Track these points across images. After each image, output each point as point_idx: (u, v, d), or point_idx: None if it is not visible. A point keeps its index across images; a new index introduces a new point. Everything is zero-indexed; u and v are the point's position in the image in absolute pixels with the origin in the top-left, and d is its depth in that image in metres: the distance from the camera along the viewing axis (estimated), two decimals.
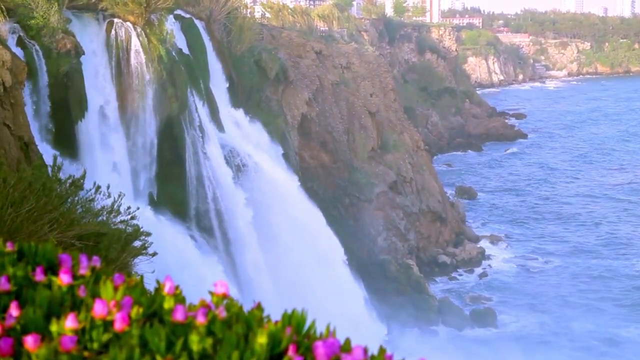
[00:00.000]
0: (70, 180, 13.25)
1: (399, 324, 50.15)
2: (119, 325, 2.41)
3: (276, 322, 2.47)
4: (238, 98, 51.01)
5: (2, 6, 29.25)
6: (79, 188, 13.23)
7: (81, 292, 2.60)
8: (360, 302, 48.06)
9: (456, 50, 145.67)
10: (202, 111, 42.29)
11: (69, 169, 25.88)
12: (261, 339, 2.35)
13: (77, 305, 2.55)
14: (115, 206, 13.67)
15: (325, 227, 49.09)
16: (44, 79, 30.33)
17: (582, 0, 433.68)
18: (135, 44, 36.35)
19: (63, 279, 2.63)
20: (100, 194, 13.65)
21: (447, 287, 59.62)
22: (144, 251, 13.97)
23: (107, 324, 2.43)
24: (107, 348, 2.37)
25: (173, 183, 38.94)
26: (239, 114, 49.31)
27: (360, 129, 64.83)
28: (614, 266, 62.59)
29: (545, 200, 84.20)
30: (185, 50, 43.38)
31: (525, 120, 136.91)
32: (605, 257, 64.70)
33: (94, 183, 13.86)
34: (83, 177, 13.56)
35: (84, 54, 32.68)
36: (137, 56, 36.46)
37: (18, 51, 28.82)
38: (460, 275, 61.92)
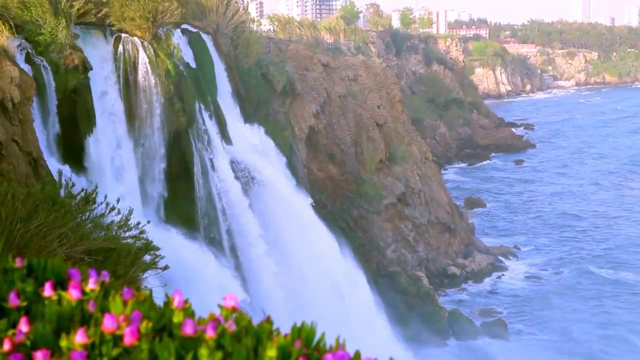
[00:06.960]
0: (80, 195, 13.29)
1: (409, 336, 49.95)
2: (128, 340, 2.41)
3: (286, 335, 2.46)
4: (246, 111, 51.10)
5: (11, 22, 29.42)
6: (89, 203, 13.26)
7: (90, 307, 2.60)
8: (370, 314, 47.89)
9: (463, 61, 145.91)
10: (210, 125, 42.39)
11: (78, 184, 25.95)
12: (271, 352, 2.34)
13: (86, 320, 2.55)
14: (124, 221, 13.70)
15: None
16: (52, 94, 30.42)
17: (589, 10, 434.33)
18: (142, 58, 36.46)
19: (72, 294, 2.63)
20: (110, 209, 13.68)
21: (457, 298, 59.36)
22: (153, 265, 13.98)
23: (117, 339, 2.42)
24: None
25: (182, 196, 39.01)
26: (247, 127, 49.40)
27: (368, 140, 64.86)
28: (627, 278, 62.09)
29: (555, 210, 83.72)
30: (193, 64, 43.52)
31: (533, 131, 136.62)
32: (618, 269, 64.07)
33: (106, 196, 13.89)
34: (94, 192, 13.60)
35: (91, 69, 32.81)
36: (145, 71, 36.56)
37: (26, 67, 28.94)
38: (470, 286, 61.64)
